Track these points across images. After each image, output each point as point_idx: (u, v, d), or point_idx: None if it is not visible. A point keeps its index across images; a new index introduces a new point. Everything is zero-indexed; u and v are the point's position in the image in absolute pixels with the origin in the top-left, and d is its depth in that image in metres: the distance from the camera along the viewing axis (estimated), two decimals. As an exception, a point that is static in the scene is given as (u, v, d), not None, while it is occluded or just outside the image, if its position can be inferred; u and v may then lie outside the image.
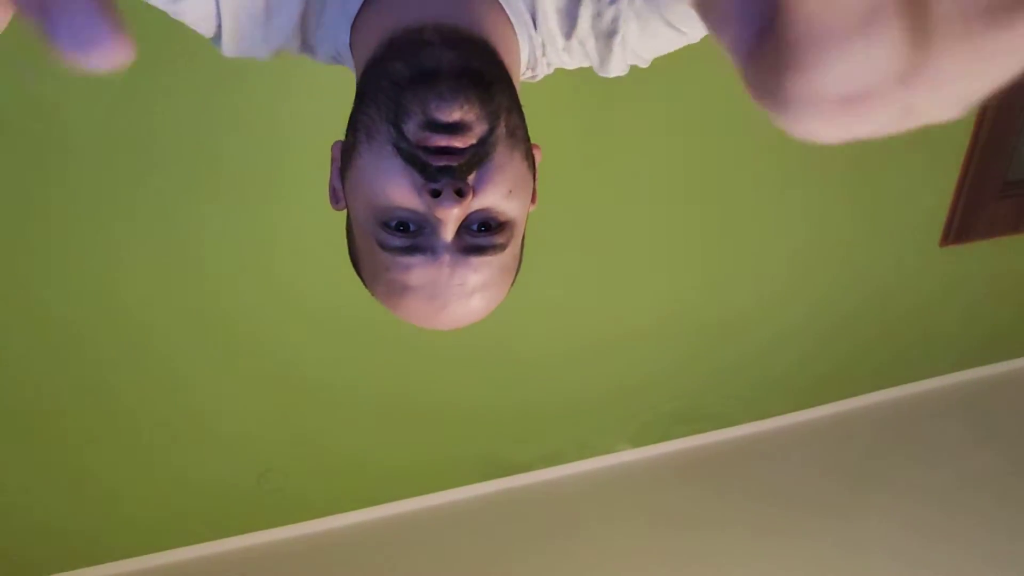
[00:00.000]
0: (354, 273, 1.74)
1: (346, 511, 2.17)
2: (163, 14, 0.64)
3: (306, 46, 0.70)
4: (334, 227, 1.84)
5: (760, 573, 2.11)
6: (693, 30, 0.68)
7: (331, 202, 0.69)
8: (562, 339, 2.15)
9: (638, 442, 2.43)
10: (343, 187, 0.64)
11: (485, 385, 2.15)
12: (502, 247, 0.59)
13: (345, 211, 0.67)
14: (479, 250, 0.58)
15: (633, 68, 0.76)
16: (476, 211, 0.57)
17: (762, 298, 2.31)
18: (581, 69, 0.76)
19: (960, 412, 2.66)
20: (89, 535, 1.98)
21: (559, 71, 0.75)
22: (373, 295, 0.65)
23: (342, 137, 0.65)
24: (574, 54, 0.72)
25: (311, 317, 1.88)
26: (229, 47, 0.66)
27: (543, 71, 0.73)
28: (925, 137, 2.20)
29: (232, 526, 2.08)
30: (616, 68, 0.72)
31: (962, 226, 2.38)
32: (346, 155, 0.61)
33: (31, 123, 1.48)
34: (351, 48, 0.67)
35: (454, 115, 0.54)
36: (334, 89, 1.63)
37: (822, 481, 2.38)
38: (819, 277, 2.35)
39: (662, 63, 0.76)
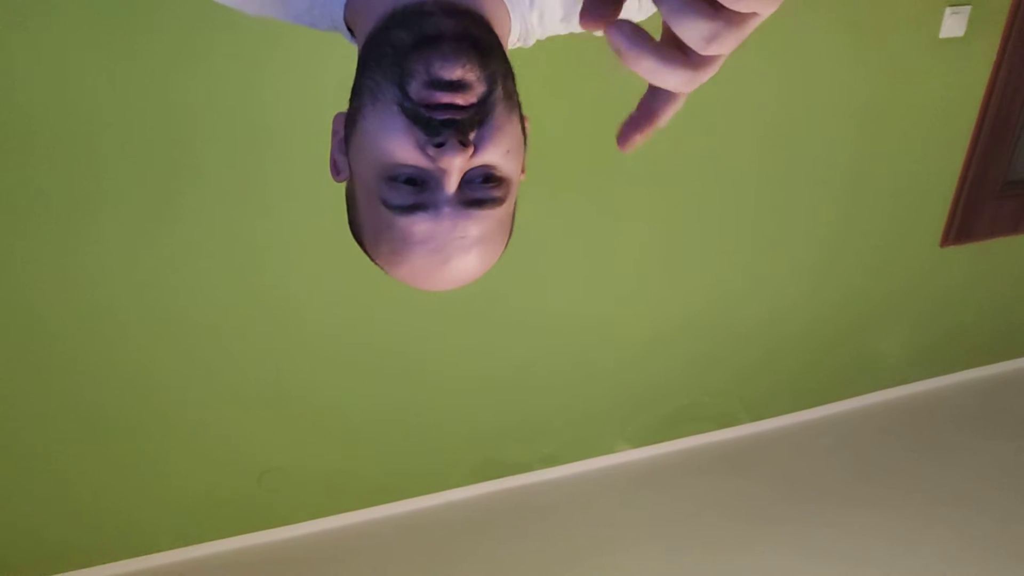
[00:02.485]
0: (354, 274, 1.73)
1: (346, 511, 2.18)
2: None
3: (301, 17, 0.73)
4: (332, 229, 1.85)
5: (759, 573, 2.11)
6: None
7: (332, 174, 0.70)
8: (562, 340, 2.15)
9: (637, 442, 2.43)
10: (347, 154, 0.66)
11: (485, 386, 2.15)
12: (500, 200, 0.62)
13: (345, 183, 0.69)
14: (479, 203, 0.61)
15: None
16: (477, 166, 0.60)
17: (762, 299, 2.31)
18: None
19: (962, 412, 2.66)
20: (90, 536, 1.98)
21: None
22: (375, 258, 0.67)
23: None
24: (573, 21, 0.76)
25: (311, 319, 1.88)
26: None
27: (534, 40, 0.77)
28: (925, 137, 2.20)
29: (232, 526, 2.09)
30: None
31: (962, 226, 2.38)
32: (350, 121, 0.64)
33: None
34: (347, 23, 0.70)
35: (456, 73, 0.57)
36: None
37: (822, 481, 2.38)
38: (819, 277, 2.35)
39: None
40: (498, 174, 0.62)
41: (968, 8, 2.02)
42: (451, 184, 0.59)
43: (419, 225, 0.61)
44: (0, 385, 1.73)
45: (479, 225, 0.62)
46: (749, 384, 2.48)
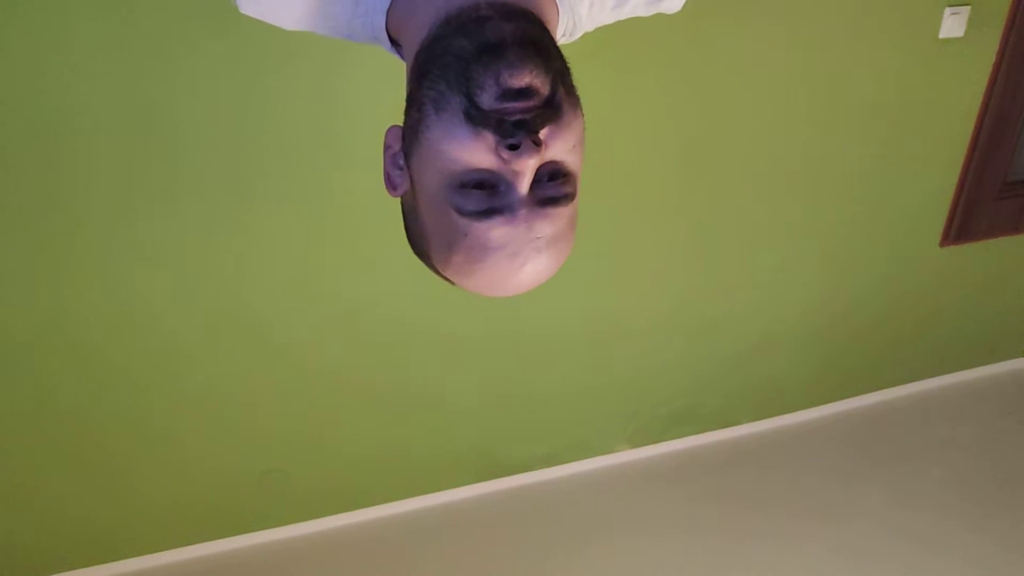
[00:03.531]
0: (355, 275, 1.74)
1: (346, 511, 2.18)
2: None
3: (339, 29, 0.73)
4: (331, 229, 1.85)
5: (758, 573, 2.11)
6: None
7: (388, 189, 0.69)
8: (562, 340, 2.16)
9: (637, 443, 2.43)
10: (407, 166, 0.65)
11: (485, 386, 2.15)
12: (571, 196, 0.63)
13: (400, 198, 0.69)
14: (552, 201, 0.61)
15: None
16: (547, 163, 0.60)
17: (761, 299, 2.31)
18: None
19: (963, 411, 2.66)
20: (90, 536, 1.98)
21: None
22: (444, 270, 0.65)
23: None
24: (627, 6, 0.78)
25: (312, 321, 1.88)
26: (248, 6, 0.71)
27: (581, 32, 0.77)
28: (925, 137, 2.20)
29: (232, 526, 2.09)
30: (672, 2, 0.79)
31: (962, 226, 2.38)
32: (411, 133, 0.63)
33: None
34: (389, 31, 0.70)
35: (524, 80, 0.57)
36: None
37: (821, 481, 2.38)
38: (819, 278, 2.35)
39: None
40: (566, 169, 0.62)
41: (968, 8, 2.02)
42: (524, 185, 0.59)
43: (496, 230, 0.60)
44: None
45: (553, 224, 0.62)
46: (750, 384, 2.48)
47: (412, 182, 0.65)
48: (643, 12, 0.81)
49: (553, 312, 2.09)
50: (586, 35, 0.79)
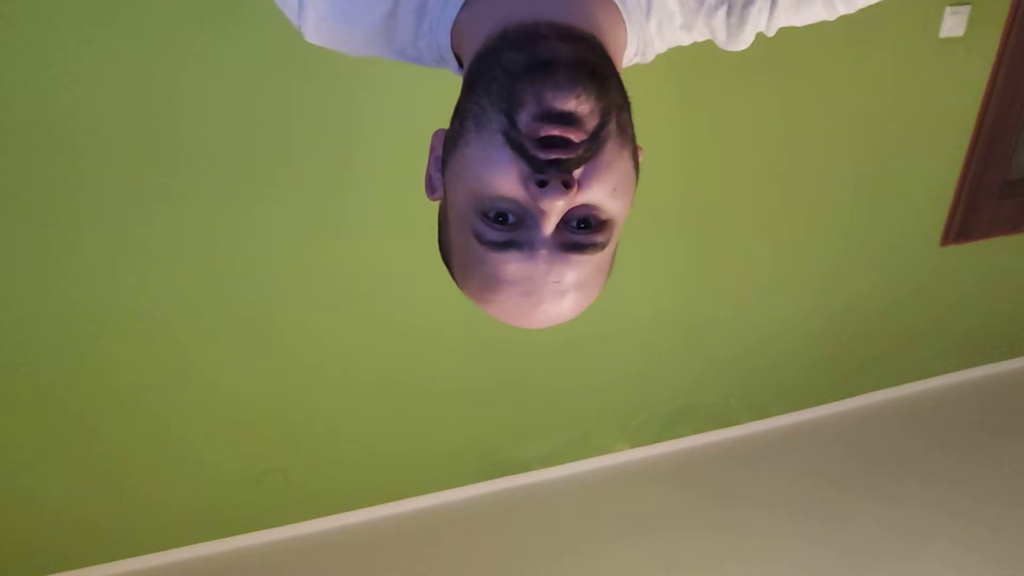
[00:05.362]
0: (355, 276, 1.74)
1: (346, 511, 2.18)
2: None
3: (406, 52, 0.70)
4: (331, 230, 1.85)
5: (758, 572, 2.11)
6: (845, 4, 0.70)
7: (427, 191, 0.67)
8: (562, 340, 2.15)
9: (636, 442, 2.43)
10: (443, 176, 0.63)
11: (485, 386, 2.15)
12: (601, 246, 0.59)
13: (439, 202, 0.67)
14: (578, 247, 0.57)
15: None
16: (579, 206, 0.57)
17: (762, 299, 2.31)
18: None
19: (964, 411, 2.66)
20: (89, 535, 1.98)
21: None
22: (463, 289, 0.64)
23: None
24: (695, 29, 0.72)
25: (312, 320, 1.88)
26: (311, 36, 0.68)
27: (654, 54, 0.74)
28: (925, 137, 2.20)
29: (232, 526, 2.09)
30: (747, 39, 0.73)
31: (962, 226, 2.38)
32: (451, 143, 0.61)
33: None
34: (452, 48, 0.67)
35: (569, 104, 0.54)
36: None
37: (821, 481, 2.38)
38: (819, 277, 2.35)
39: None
40: (601, 216, 0.58)
41: (968, 8, 2.02)
42: (548, 226, 0.56)
43: (511, 265, 0.57)
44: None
45: (576, 271, 0.58)
46: (749, 384, 2.48)
47: (445, 192, 0.63)
48: (719, 38, 0.75)
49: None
50: None
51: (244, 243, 1.74)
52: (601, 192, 0.57)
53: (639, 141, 0.63)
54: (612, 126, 0.57)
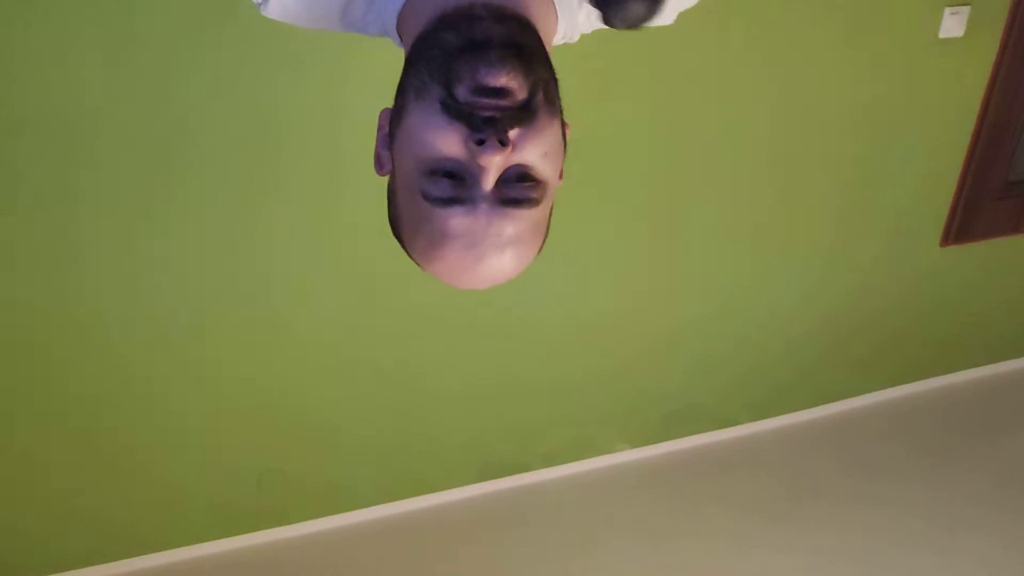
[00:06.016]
0: (357, 276, 1.74)
1: (345, 511, 2.18)
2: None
3: (355, 25, 0.76)
4: (330, 231, 1.85)
5: (759, 573, 2.11)
6: None
7: (376, 168, 0.73)
8: (562, 340, 2.16)
9: (637, 442, 2.43)
10: (391, 150, 0.68)
11: (484, 386, 2.15)
12: (536, 202, 0.64)
13: (387, 177, 0.72)
14: (515, 202, 0.63)
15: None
16: (515, 165, 0.62)
17: (761, 299, 2.31)
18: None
19: (964, 411, 2.66)
20: (89, 535, 1.98)
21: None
22: (412, 253, 0.68)
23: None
24: None
25: (313, 320, 1.88)
26: (272, 12, 0.74)
27: (579, 35, 0.80)
28: (925, 138, 2.20)
29: (232, 526, 2.09)
30: (667, 16, 0.80)
31: (962, 226, 2.38)
32: (395, 117, 0.66)
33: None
34: (398, 27, 0.73)
35: (500, 80, 0.60)
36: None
37: (822, 481, 2.38)
38: (818, 278, 2.35)
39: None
40: (534, 175, 0.63)
41: (968, 8, 2.02)
42: (488, 181, 0.61)
43: (455, 219, 0.62)
44: None
45: (514, 224, 0.63)
46: (749, 384, 2.48)
47: (394, 164, 0.68)
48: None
49: (553, 312, 2.09)
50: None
51: (244, 245, 1.74)
52: (534, 153, 0.62)
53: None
54: (540, 98, 0.62)
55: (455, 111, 0.60)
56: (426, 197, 0.63)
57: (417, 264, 0.68)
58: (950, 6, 2.01)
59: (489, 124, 0.60)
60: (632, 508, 2.28)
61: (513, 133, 0.60)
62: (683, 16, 0.89)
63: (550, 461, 2.35)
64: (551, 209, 0.70)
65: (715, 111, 1.96)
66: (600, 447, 2.40)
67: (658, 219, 2.07)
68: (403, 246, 0.70)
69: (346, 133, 1.66)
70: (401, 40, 0.74)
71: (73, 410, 1.82)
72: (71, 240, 1.62)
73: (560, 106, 0.66)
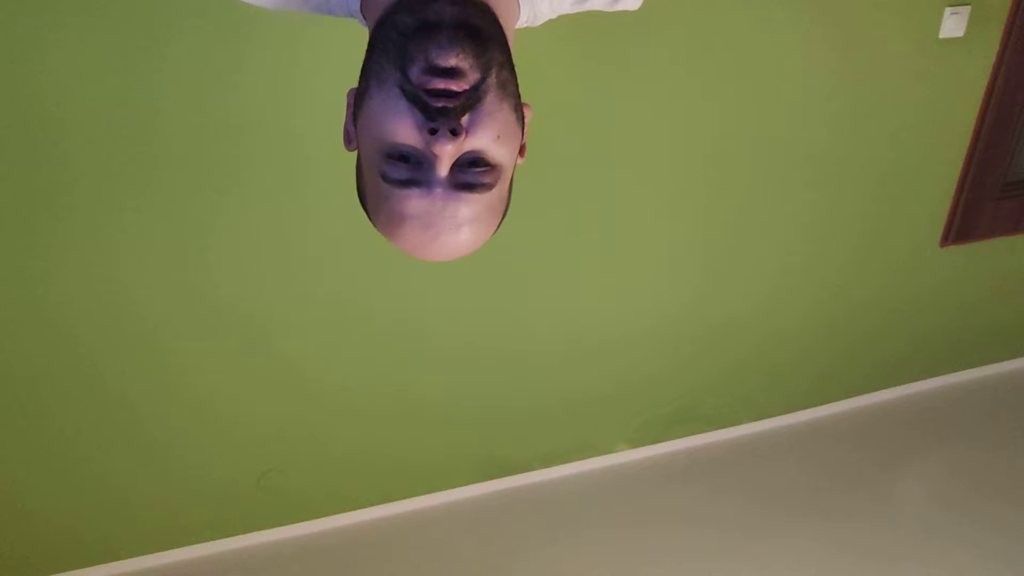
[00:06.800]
0: (357, 275, 1.74)
1: (346, 511, 2.18)
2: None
3: (321, 7, 0.78)
4: (329, 232, 1.85)
5: (757, 572, 2.11)
6: None
7: (344, 143, 0.75)
8: (562, 340, 2.16)
9: (637, 442, 2.43)
10: (355, 129, 0.70)
11: (485, 385, 2.15)
12: (489, 186, 0.66)
13: (356, 153, 0.74)
14: (469, 187, 0.65)
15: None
16: (468, 152, 0.64)
17: (761, 299, 2.31)
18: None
19: (964, 412, 2.66)
20: (89, 535, 1.98)
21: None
22: (376, 226, 0.71)
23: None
24: (585, 3, 0.82)
25: (312, 319, 1.88)
26: None
27: (543, 20, 0.82)
28: (925, 138, 2.20)
29: (232, 526, 2.09)
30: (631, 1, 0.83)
31: (962, 226, 2.38)
32: (359, 99, 0.68)
33: (27, 114, 1.49)
34: (362, 9, 0.76)
35: (450, 61, 0.61)
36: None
37: (822, 481, 2.38)
38: (819, 278, 2.35)
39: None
40: (488, 159, 0.65)
41: (968, 8, 2.02)
42: (443, 167, 0.63)
43: (412, 200, 0.65)
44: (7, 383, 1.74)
45: (469, 207, 0.66)
46: (749, 384, 2.48)
47: (358, 143, 0.71)
48: (602, 7, 0.84)
49: (553, 312, 2.09)
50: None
51: (239, 244, 1.74)
52: (486, 138, 0.64)
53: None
54: (492, 80, 0.64)
55: (412, 96, 0.62)
56: (385, 178, 0.65)
57: (382, 234, 0.71)
58: (950, 6, 2.01)
59: (442, 114, 0.62)
60: (632, 508, 2.28)
61: (465, 120, 0.63)
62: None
63: (551, 461, 2.35)
64: (511, 184, 0.72)
65: (716, 117, 1.96)
66: (600, 447, 2.40)
67: (662, 223, 2.07)
68: (369, 218, 0.72)
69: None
70: (365, 22, 0.76)
71: (72, 410, 1.82)
72: (52, 245, 1.61)
73: (515, 88, 0.67)
